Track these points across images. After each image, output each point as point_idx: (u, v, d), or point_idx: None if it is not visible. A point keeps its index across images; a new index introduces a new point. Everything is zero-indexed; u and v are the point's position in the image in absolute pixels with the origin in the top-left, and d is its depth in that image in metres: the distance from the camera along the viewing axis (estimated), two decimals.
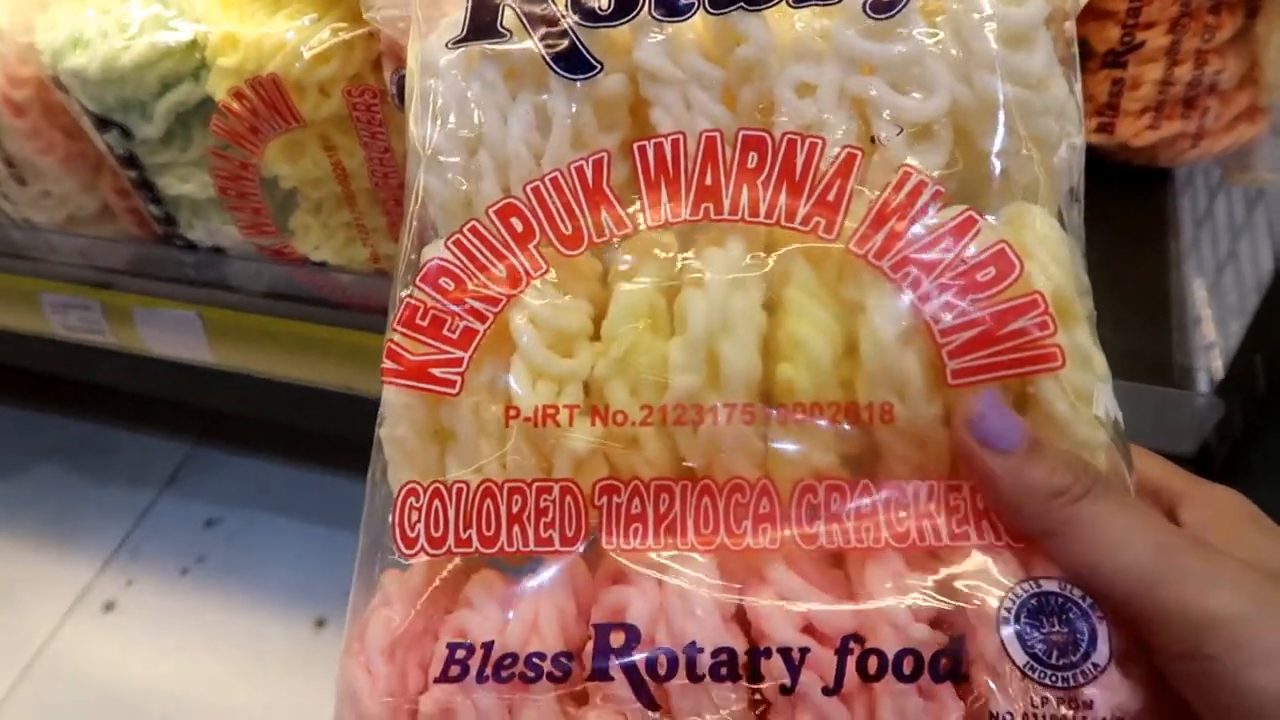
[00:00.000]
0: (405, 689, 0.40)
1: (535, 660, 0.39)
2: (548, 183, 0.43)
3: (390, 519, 0.41)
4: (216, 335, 1.10)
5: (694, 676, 0.37)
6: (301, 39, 0.80)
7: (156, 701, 1.25)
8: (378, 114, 0.83)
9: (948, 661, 0.36)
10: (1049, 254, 0.40)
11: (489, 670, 0.39)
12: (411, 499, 0.41)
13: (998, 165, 0.42)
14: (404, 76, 0.76)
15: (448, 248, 0.42)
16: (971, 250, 0.39)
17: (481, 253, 0.42)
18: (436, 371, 0.41)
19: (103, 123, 0.91)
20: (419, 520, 0.41)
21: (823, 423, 0.39)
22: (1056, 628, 0.36)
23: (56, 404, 1.63)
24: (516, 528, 0.40)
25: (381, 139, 0.85)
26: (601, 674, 0.38)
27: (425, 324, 0.42)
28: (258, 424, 1.38)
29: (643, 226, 0.42)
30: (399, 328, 0.42)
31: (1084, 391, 0.40)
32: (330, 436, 1.27)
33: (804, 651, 0.37)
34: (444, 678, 0.39)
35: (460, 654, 0.39)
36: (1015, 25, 0.41)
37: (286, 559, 1.38)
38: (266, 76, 0.80)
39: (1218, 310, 0.91)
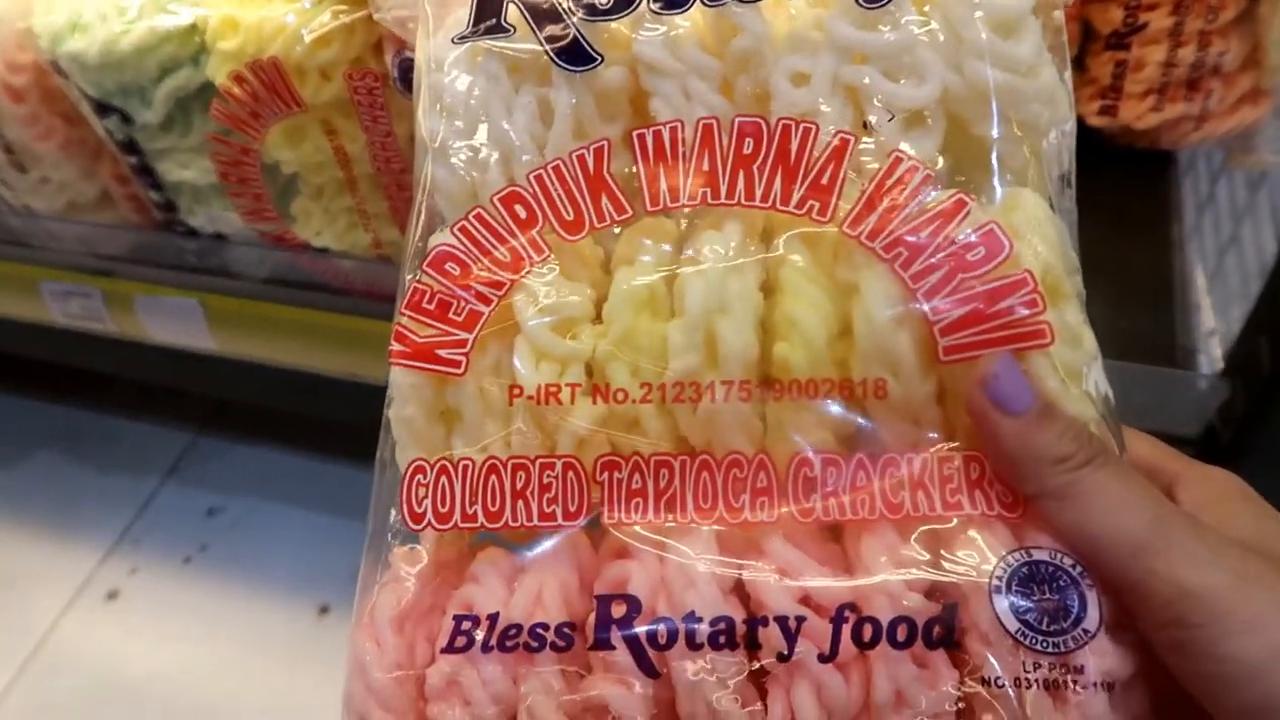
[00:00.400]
0: (413, 661, 0.42)
1: (539, 631, 0.40)
2: (550, 171, 0.44)
3: (398, 496, 0.43)
4: (218, 322, 1.11)
5: (693, 646, 0.39)
6: (302, 22, 0.81)
7: (160, 689, 1.27)
8: (379, 98, 0.84)
9: (941, 629, 0.38)
10: (1038, 234, 0.42)
11: (494, 641, 0.40)
12: (419, 476, 0.43)
13: (991, 151, 0.43)
14: (406, 59, 0.77)
15: (453, 234, 0.44)
16: (962, 231, 0.40)
17: (486, 239, 0.44)
18: (443, 352, 0.43)
19: (102, 108, 0.92)
20: (426, 496, 0.42)
21: (818, 399, 0.41)
22: (1047, 595, 0.38)
23: (58, 392, 1.64)
24: (521, 503, 0.42)
25: (383, 123, 0.86)
26: (604, 644, 0.39)
27: (432, 307, 0.43)
28: (260, 412, 1.40)
29: (642, 212, 0.44)
30: (406, 311, 0.44)
31: (1073, 368, 0.41)
32: (333, 423, 1.28)
33: (800, 620, 0.38)
34: (450, 648, 0.41)
35: (466, 625, 0.41)
36: (1004, 13, 0.43)
37: (289, 547, 1.39)
38: (267, 60, 0.81)
39: (1221, 294, 0.92)
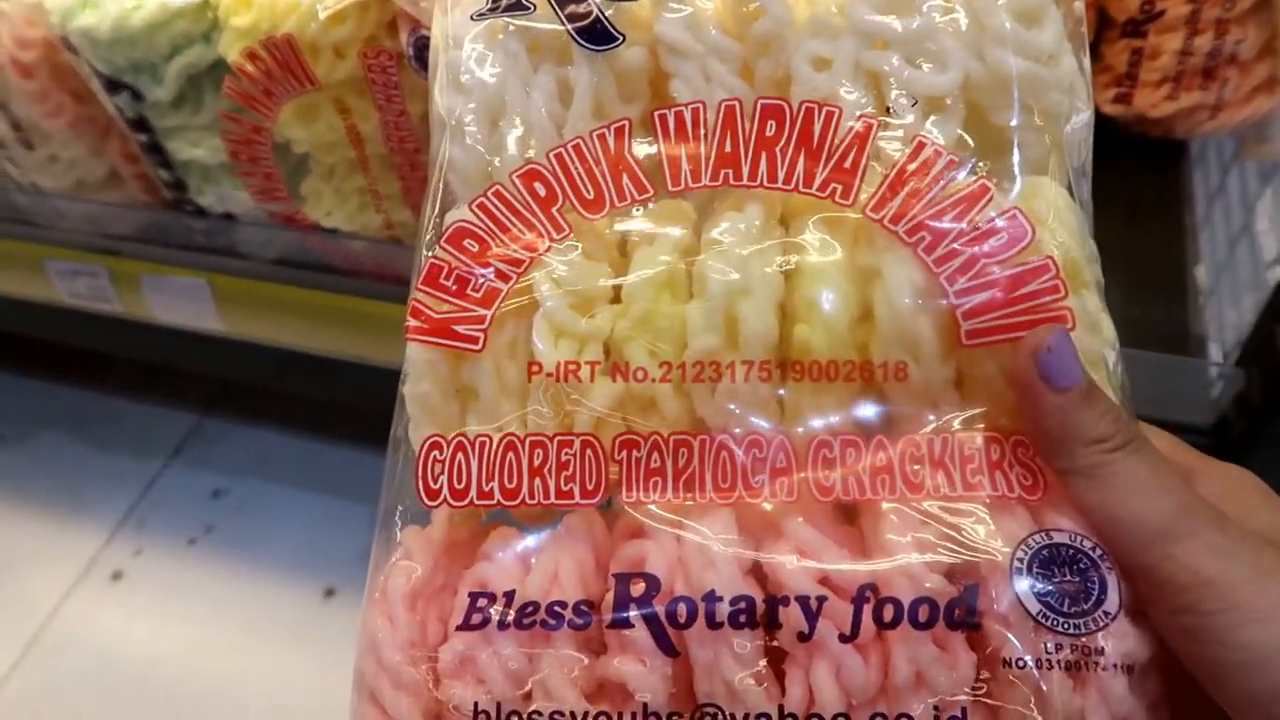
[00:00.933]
0: (425, 639, 0.42)
1: (556, 609, 0.40)
2: (570, 149, 0.45)
3: (413, 471, 0.43)
4: (226, 303, 1.11)
5: (713, 624, 0.39)
6: None
7: (164, 671, 1.27)
8: (394, 76, 0.84)
9: (961, 610, 0.38)
10: (1059, 221, 0.42)
11: (511, 619, 0.40)
12: (435, 452, 0.43)
13: (1011, 139, 0.44)
14: (421, 37, 0.77)
15: (472, 210, 0.44)
16: (985, 216, 0.41)
17: (505, 215, 0.44)
18: (460, 329, 0.43)
19: (113, 85, 0.92)
20: (442, 472, 0.42)
21: (838, 381, 0.41)
22: (1068, 577, 0.38)
23: (62, 373, 1.64)
24: (538, 480, 0.42)
25: (397, 102, 0.86)
26: (622, 622, 0.40)
27: (449, 283, 0.44)
28: (265, 393, 1.40)
29: (664, 192, 0.44)
30: (423, 287, 0.44)
31: (1093, 355, 0.42)
32: (339, 406, 1.28)
33: (821, 600, 0.38)
34: (466, 626, 0.41)
35: (482, 603, 0.41)
36: (1026, 2, 0.43)
37: (295, 529, 1.39)
38: (281, 37, 0.81)
39: (1233, 283, 0.92)
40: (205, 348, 1.19)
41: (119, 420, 1.58)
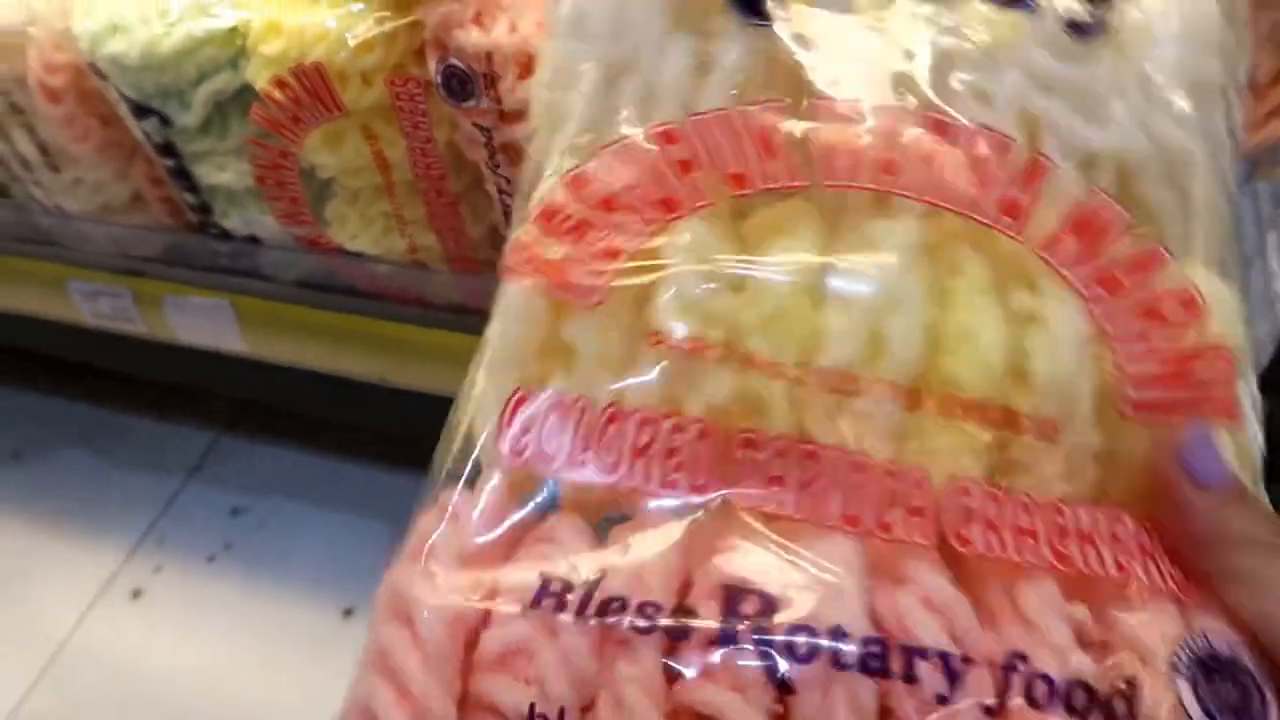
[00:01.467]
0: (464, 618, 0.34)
1: (648, 609, 0.33)
2: (716, 117, 0.39)
3: (496, 424, 0.36)
4: (249, 324, 1.09)
5: (839, 665, 0.32)
6: (344, 26, 0.79)
7: (183, 689, 1.23)
8: (421, 104, 0.82)
9: (1121, 706, 0.32)
10: (1222, 310, 0.38)
11: (591, 610, 0.33)
12: (523, 406, 0.36)
13: (1159, 213, 0.40)
14: (449, 66, 0.75)
15: (598, 160, 0.39)
16: (1160, 285, 0.36)
17: (636, 172, 0.38)
18: (575, 279, 0.37)
19: (141, 110, 0.90)
20: (529, 429, 0.36)
21: (981, 424, 0.36)
22: (1229, 688, 0.33)
23: (82, 389, 1.60)
24: (641, 463, 0.35)
25: (424, 129, 0.83)
26: (728, 641, 0.32)
27: (568, 226, 0.38)
28: (284, 412, 1.37)
29: (816, 184, 0.38)
30: (538, 223, 0.38)
31: (1245, 450, 0.38)
32: (359, 426, 1.26)
33: (966, 661, 0.32)
34: (537, 605, 0.33)
35: (555, 587, 0.33)
36: (1202, 80, 0.40)
37: (314, 548, 1.35)
38: (310, 65, 0.79)
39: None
40: (228, 368, 1.16)
41: (138, 437, 1.54)
